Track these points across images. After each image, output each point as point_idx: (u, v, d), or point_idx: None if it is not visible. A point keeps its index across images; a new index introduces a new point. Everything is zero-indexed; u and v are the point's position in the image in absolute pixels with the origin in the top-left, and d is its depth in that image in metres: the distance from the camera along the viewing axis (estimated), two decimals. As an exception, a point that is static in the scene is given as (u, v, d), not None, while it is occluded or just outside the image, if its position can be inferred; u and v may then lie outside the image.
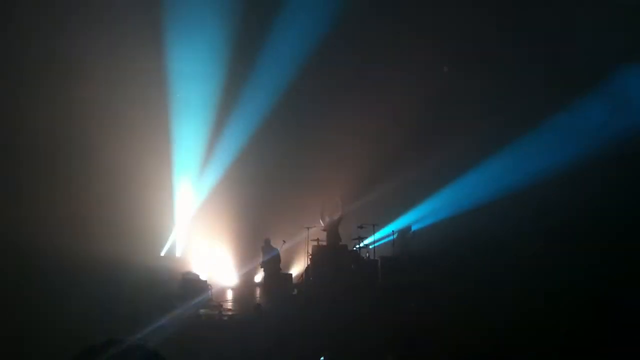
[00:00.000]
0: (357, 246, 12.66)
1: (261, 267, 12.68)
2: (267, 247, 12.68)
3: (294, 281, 12.61)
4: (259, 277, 13.26)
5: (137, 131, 12.39)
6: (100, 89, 12.02)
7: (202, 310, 10.68)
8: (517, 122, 12.53)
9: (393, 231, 12.91)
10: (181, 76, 13.05)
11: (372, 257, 12.48)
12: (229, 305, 11.99)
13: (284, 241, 12.69)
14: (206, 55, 12.91)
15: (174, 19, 12.34)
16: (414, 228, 13.01)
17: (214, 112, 13.64)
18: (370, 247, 12.62)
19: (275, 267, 12.38)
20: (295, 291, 12.00)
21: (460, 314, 9.07)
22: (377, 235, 12.89)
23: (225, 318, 10.12)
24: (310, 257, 12.64)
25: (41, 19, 11.21)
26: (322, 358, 7.67)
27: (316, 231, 12.99)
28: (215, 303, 11.37)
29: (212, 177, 14.21)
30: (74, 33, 11.54)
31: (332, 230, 12.62)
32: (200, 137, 13.87)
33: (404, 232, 12.86)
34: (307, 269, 12.63)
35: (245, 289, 13.85)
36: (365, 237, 12.78)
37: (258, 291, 12.81)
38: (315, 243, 12.66)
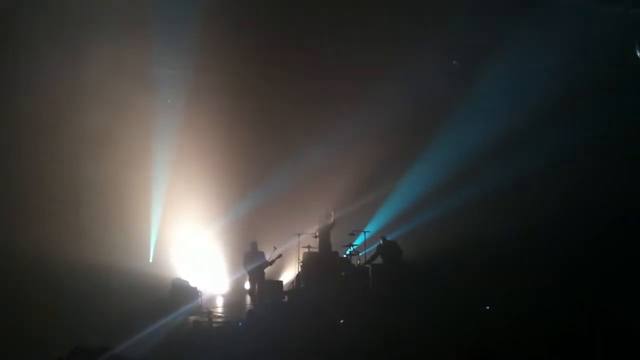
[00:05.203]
0: (348, 252, 12.64)
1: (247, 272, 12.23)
2: (252, 251, 12.22)
3: (285, 288, 12.57)
4: (248, 284, 13.18)
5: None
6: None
7: (192, 317, 10.62)
8: (506, 131, 12.59)
9: (381, 238, 12.86)
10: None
11: (362, 264, 12.47)
12: (219, 311, 11.94)
13: (275, 247, 12.62)
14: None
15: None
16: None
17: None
18: (361, 254, 12.62)
19: (260, 273, 12.10)
20: (286, 298, 11.96)
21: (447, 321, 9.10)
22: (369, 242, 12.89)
23: (216, 325, 10.07)
24: (301, 264, 12.62)
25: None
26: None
27: (307, 238, 12.98)
28: (205, 310, 11.31)
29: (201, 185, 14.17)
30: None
31: (324, 238, 12.57)
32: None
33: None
34: (297, 276, 12.60)
35: (235, 296, 13.80)
36: (357, 244, 12.76)
37: (248, 298, 12.72)
38: (306, 250, 12.64)
